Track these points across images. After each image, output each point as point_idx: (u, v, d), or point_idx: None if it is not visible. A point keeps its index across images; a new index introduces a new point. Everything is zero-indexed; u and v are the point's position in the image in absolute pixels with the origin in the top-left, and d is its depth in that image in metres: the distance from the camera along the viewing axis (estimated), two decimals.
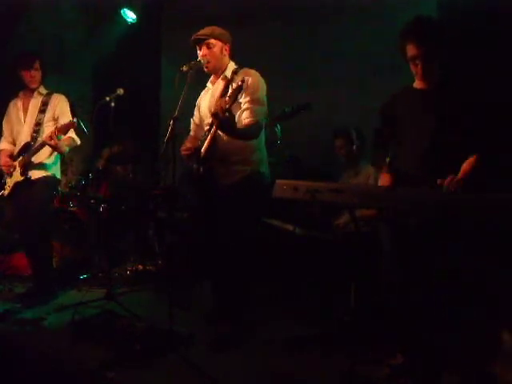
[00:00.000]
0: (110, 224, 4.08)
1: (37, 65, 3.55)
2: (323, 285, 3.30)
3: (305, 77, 4.32)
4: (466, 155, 2.27)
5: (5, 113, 3.71)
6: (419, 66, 2.31)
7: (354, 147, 3.57)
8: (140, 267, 4.29)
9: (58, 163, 3.68)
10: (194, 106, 3.09)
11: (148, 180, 4.72)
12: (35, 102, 3.60)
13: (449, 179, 2.13)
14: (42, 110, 3.55)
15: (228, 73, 2.85)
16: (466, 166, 2.24)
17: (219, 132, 2.67)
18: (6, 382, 2.42)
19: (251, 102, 2.71)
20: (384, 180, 2.42)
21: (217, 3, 4.66)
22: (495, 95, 2.54)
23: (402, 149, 2.40)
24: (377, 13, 4.04)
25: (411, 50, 2.30)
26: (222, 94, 2.78)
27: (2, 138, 3.71)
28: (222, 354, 2.67)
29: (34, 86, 3.59)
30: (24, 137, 3.53)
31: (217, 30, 2.83)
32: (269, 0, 4.52)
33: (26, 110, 3.61)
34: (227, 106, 2.44)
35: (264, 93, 2.79)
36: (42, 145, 3.40)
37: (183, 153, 2.80)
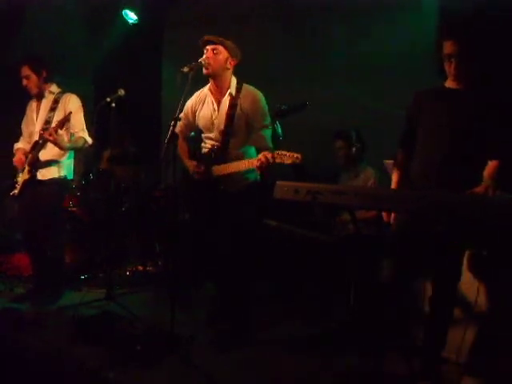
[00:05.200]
0: (111, 225, 4.07)
1: (25, 72, 3.51)
2: (323, 285, 3.31)
3: (305, 77, 4.32)
4: (488, 159, 2.28)
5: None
6: (453, 65, 2.30)
7: (354, 149, 3.58)
8: (140, 268, 4.30)
9: (71, 163, 3.67)
10: None
11: (149, 181, 4.72)
12: (46, 101, 3.60)
13: (482, 189, 2.14)
14: (53, 108, 3.53)
15: (233, 90, 2.87)
16: (489, 171, 2.25)
17: (229, 150, 2.84)
18: (7, 381, 2.42)
19: (263, 127, 2.86)
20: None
21: (217, 4, 4.66)
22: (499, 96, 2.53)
23: (425, 149, 2.39)
24: (377, 13, 4.04)
25: (448, 48, 2.29)
26: (228, 114, 2.84)
27: (21, 138, 3.72)
28: (223, 354, 2.67)
29: (33, 92, 3.57)
30: (36, 136, 3.53)
31: (229, 41, 2.85)
32: (269, 0, 4.53)
33: (38, 110, 3.62)
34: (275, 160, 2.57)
35: (268, 113, 2.91)
36: (45, 141, 3.39)
37: (198, 176, 2.87)
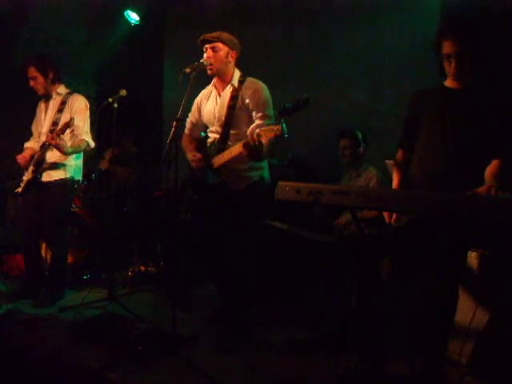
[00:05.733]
0: (112, 225, 4.08)
1: (32, 74, 3.51)
2: (325, 286, 3.30)
3: (306, 77, 4.32)
4: (490, 158, 2.27)
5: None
6: (453, 65, 2.30)
7: (361, 149, 3.54)
8: (142, 268, 4.30)
9: (79, 163, 3.67)
10: None
11: (150, 181, 4.72)
12: (54, 103, 3.60)
13: (485, 189, 2.13)
14: (60, 110, 3.53)
15: (235, 82, 2.85)
16: (491, 170, 2.25)
17: (229, 142, 2.79)
18: (8, 381, 2.42)
19: (264, 118, 2.76)
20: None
21: (219, 5, 4.67)
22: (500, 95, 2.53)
23: (427, 149, 2.39)
24: (378, 13, 4.04)
25: (447, 48, 2.29)
26: (229, 105, 2.82)
27: (31, 138, 3.73)
28: (224, 355, 2.67)
29: (40, 92, 3.58)
30: (44, 137, 3.53)
31: (226, 35, 2.84)
32: (270, 1, 4.53)
33: (46, 111, 3.62)
34: (260, 138, 2.46)
35: (271, 105, 2.83)
36: (49, 144, 3.40)
37: (195, 164, 2.84)
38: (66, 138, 3.48)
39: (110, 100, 3.38)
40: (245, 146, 2.55)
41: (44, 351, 2.67)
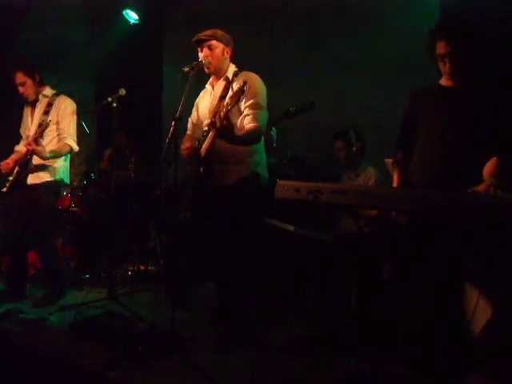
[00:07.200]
0: (112, 224, 4.08)
1: (21, 79, 3.49)
2: (324, 285, 3.30)
3: (306, 76, 4.31)
4: (490, 157, 2.26)
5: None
6: (447, 64, 2.30)
7: (354, 149, 3.56)
8: (141, 268, 4.30)
9: (67, 164, 3.65)
10: None
11: (150, 180, 4.72)
12: (40, 105, 3.59)
13: (483, 188, 2.12)
14: (46, 112, 3.52)
15: (229, 75, 2.85)
16: (489, 169, 2.23)
17: None
18: (8, 381, 2.42)
19: (253, 106, 2.72)
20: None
21: (218, 4, 4.66)
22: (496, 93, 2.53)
23: (426, 148, 2.38)
24: (377, 13, 4.04)
25: (441, 48, 2.29)
26: (221, 96, 2.81)
27: (21, 141, 3.72)
28: (224, 354, 2.67)
29: (31, 98, 3.57)
30: None
31: (219, 32, 2.84)
32: (270, 0, 4.53)
33: (33, 114, 3.61)
34: (225, 112, 2.45)
35: (265, 97, 2.80)
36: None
37: (183, 152, 2.82)
38: (54, 142, 3.48)
39: (109, 99, 3.37)
40: (210, 124, 2.50)
41: (44, 351, 2.67)
